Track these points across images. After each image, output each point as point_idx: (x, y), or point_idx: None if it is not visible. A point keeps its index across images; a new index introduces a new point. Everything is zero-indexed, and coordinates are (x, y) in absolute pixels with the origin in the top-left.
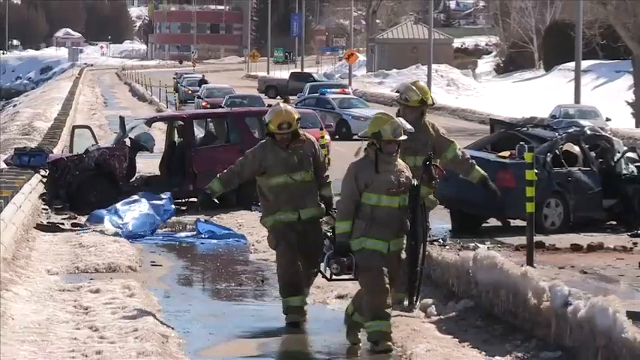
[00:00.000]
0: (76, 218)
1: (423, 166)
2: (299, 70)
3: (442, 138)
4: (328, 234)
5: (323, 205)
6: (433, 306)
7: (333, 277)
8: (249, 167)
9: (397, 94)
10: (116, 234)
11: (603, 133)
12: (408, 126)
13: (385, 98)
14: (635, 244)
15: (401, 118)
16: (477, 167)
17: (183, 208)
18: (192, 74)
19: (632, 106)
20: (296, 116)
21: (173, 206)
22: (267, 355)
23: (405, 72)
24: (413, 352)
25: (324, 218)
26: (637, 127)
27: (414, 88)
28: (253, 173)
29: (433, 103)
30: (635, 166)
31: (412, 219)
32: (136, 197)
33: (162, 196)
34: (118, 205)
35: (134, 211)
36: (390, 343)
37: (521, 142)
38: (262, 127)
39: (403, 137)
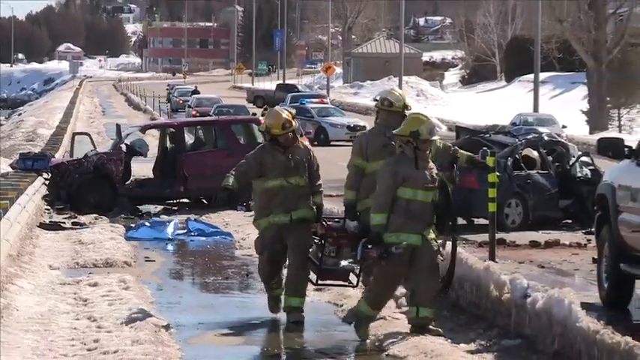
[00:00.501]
0: (76, 217)
1: (448, 165)
2: (281, 81)
3: None
4: (316, 240)
5: (315, 210)
6: (403, 297)
7: (319, 282)
8: (253, 168)
9: (376, 102)
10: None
11: (559, 139)
12: (440, 127)
13: (360, 107)
14: (588, 240)
15: (434, 119)
16: (460, 150)
17: (175, 208)
18: (184, 85)
19: (586, 115)
20: (292, 115)
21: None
22: (252, 343)
23: (378, 83)
24: (386, 340)
25: (315, 225)
26: (591, 133)
27: (397, 94)
28: (255, 174)
29: (410, 108)
30: (589, 169)
31: (443, 215)
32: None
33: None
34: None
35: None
36: (366, 335)
37: (484, 148)
38: (247, 134)
39: (436, 137)
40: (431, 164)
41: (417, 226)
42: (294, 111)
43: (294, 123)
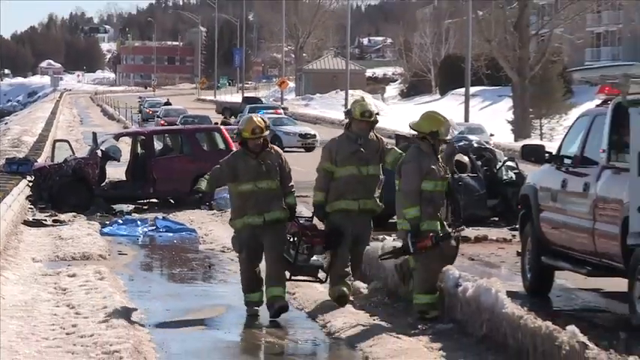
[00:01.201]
0: (56, 215)
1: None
2: (240, 94)
3: (386, 147)
4: (291, 239)
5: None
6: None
7: (292, 278)
8: (225, 173)
9: (350, 112)
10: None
11: (487, 146)
12: (457, 128)
13: (310, 117)
14: (513, 236)
15: (452, 120)
16: None
17: (145, 207)
18: (153, 98)
19: (511, 124)
20: (265, 123)
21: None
22: (214, 327)
23: (327, 96)
24: (332, 323)
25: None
26: (515, 141)
27: (370, 105)
28: (228, 179)
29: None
30: (514, 173)
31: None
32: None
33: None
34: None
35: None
36: (436, 312)
37: None
38: (210, 141)
39: (450, 137)
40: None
41: (437, 214)
42: (269, 121)
43: (265, 130)
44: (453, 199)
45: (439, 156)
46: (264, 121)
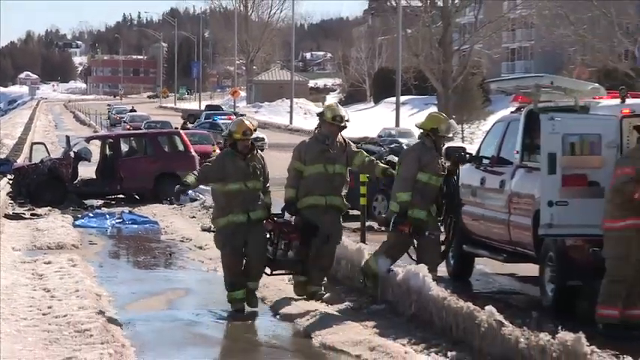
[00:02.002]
0: (34, 210)
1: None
2: (197, 103)
3: (352, 150)
4: (267, 236)
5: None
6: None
7: (273, 272)
8: (214, 172)
9: (321, 115)
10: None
11: None
12: (457, 127)
13: (260, 123)
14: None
15: (452, 120)
16: (379, 164)
17: (113, 202)
18: (120, 105)
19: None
20: (254, 126)
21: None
22: (174, 307)
23: (274, 104)
24: (277, 304)
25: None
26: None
27: (342, 110)
28: (216, 178)
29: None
30: None
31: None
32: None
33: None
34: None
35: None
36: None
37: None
38: (170, 144)
39: (451, 134)
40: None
41: (427, 204)
42: (256, 123)
43: (253, 132)
44: (449, 199)
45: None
46: (253, 124)
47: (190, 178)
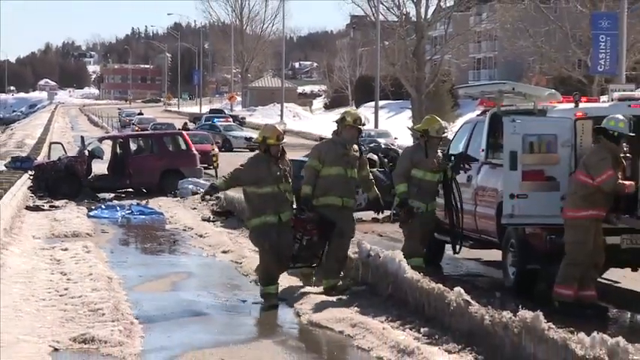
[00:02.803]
0: (52, 202)
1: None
2: (198, 107)
3: (363, 160)
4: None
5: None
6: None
7: (296, 265)
8: (247, 176)
9: (344, 119)
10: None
11: (392, 147)
12: (447, 128)
13: (254, 124)
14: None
15: (444, 122)
16: (374, 187)
17: (123, 195)
18: (130, 109)
19: (411, 130)
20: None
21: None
22: (177, 289)
23: (266, 108)
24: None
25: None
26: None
27: (360, 114)
28: (249, 181)
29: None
30: None
31: (448, 193)
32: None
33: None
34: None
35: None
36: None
37: None
38: (174, 143)
39: (445, 134)
40: (438, 153)
41: (425, 197)
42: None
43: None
44: (449, 192)
45: (437, 151)
46: (283, 130)
47: (219, 182)
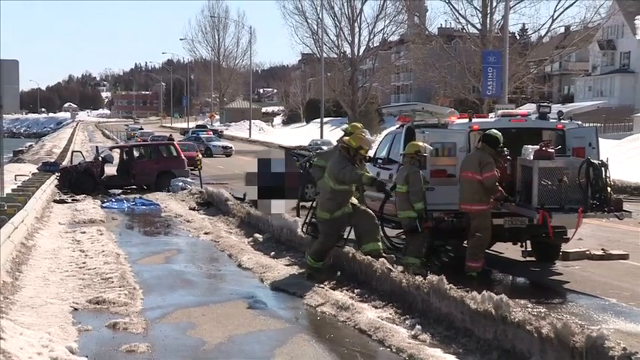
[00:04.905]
0: (74, 196)
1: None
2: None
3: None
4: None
5: None
6: (253, 236)
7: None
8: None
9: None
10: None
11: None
12: (430, 148)
13: (228, 136)
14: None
15: (426, 144)
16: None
17: (129, 191)
18: (134, 125)
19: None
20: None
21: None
22: (170, 262)
23: (239, 124)
24: (240, 259)
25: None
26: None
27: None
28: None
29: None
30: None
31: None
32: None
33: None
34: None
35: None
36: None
37: (294, 157)
38: (167, 151)
39: (427, 154)
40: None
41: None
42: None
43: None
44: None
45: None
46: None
47: (366, 177)
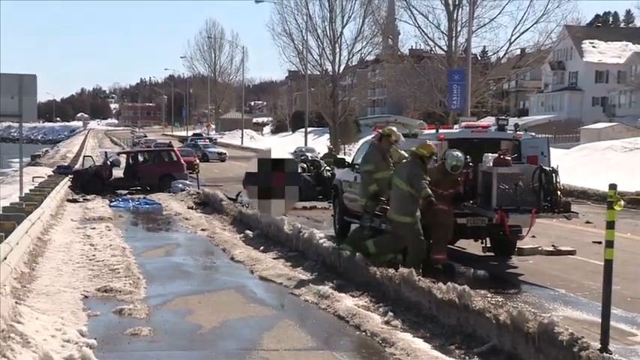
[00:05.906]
0: (85, 196)
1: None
2: (184, 133)
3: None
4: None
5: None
6: (244, 232)
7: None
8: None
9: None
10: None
11: (316, 158)
12: (435, 150)
13: (223, 143)
14: (330, 205)
15: (434, 145)
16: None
17: (134, 192)
18: (139, 133)
19: (330, 149)
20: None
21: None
22: (170, 255)
23: (232, 133)
24: (233, 253)
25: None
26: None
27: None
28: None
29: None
30: (329, 173)
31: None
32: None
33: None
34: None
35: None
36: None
37: (306, 164)
38: (169, 156)
39: (435, 157)
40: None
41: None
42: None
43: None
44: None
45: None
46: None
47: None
